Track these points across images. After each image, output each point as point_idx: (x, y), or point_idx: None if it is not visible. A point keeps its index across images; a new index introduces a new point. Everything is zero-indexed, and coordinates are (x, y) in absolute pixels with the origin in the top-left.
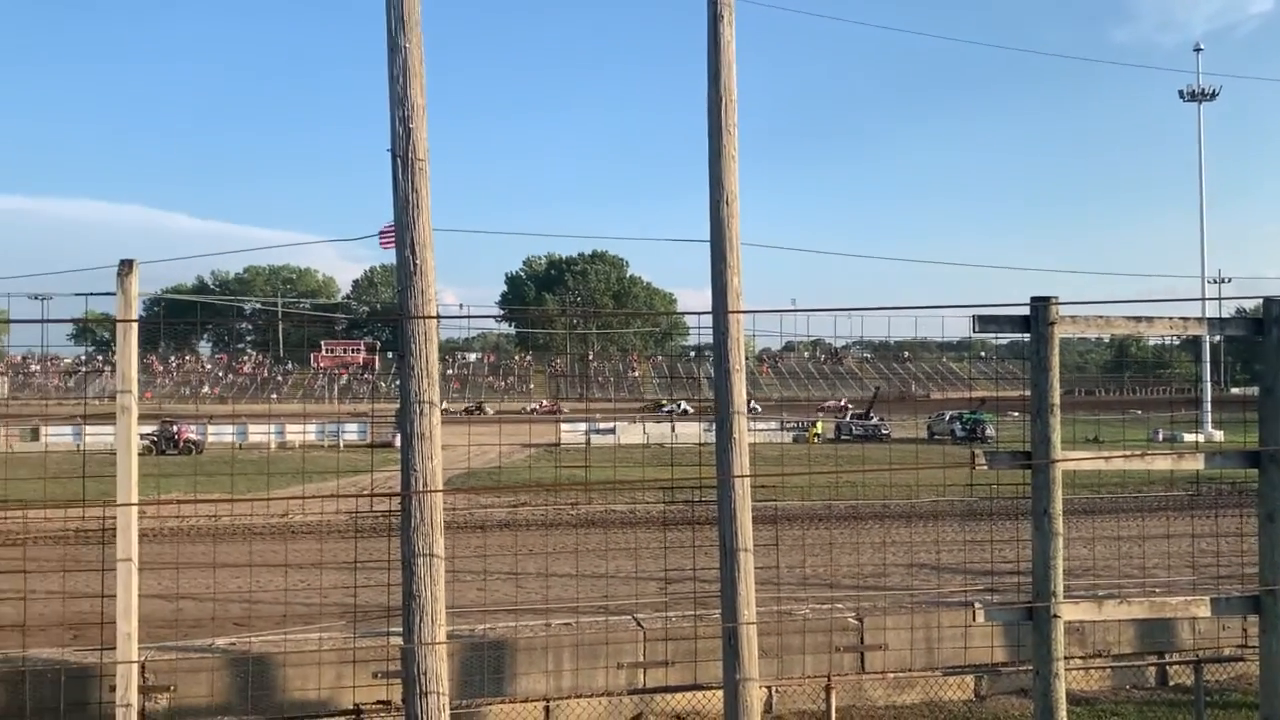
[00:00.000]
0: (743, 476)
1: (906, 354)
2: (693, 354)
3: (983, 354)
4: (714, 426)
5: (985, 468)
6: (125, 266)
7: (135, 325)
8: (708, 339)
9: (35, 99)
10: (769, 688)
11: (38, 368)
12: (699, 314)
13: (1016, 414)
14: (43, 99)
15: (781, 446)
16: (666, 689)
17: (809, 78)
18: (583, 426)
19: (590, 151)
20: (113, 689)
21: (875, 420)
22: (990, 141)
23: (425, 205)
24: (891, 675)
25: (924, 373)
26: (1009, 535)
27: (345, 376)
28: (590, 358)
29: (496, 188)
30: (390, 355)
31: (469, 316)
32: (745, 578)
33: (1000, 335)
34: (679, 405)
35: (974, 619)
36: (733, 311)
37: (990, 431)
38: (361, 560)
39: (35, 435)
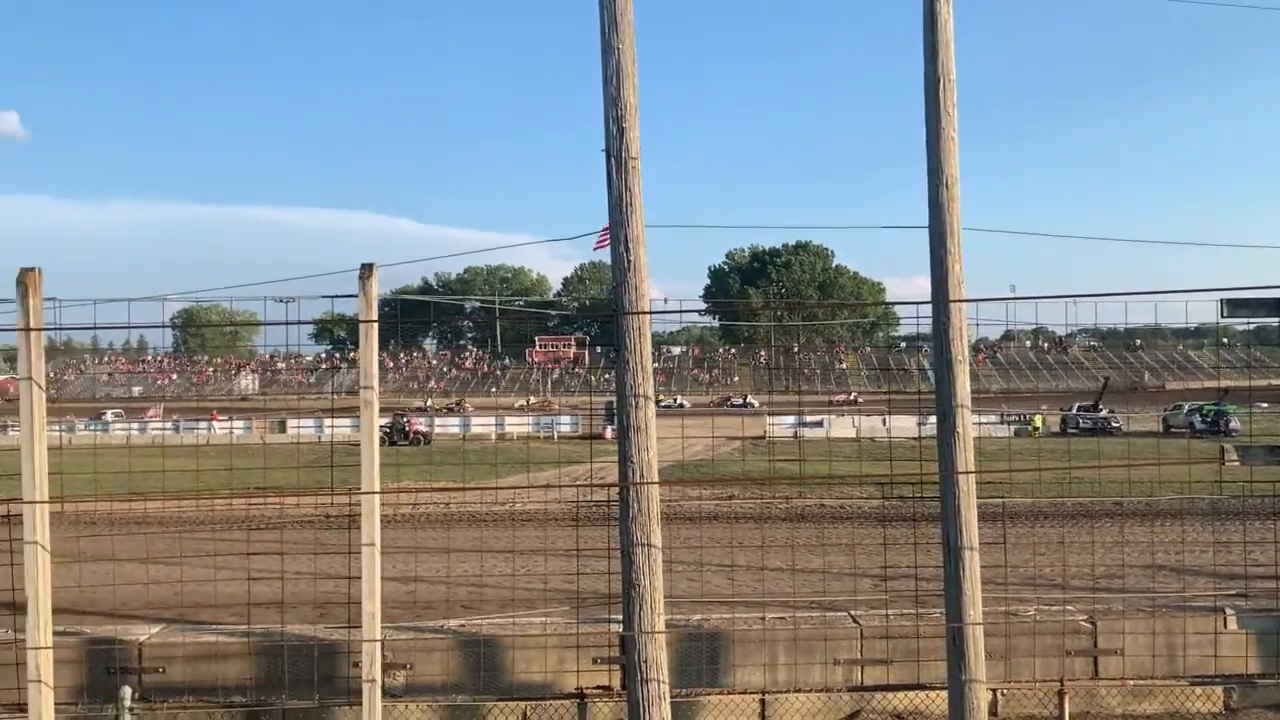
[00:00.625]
0: (967, 472)
1: (1139, 342)
2: (903, 345)
3: (1224, 340)
4: (920, 420)
5: (1237, 464)
6: (366, 270)
7: (375, 325)
8: (922, 328)
9: (273, 119)
10: (995, 690)
11: (284, 365)
12: (915, 303)
13: (1266, 405)
14: (279, 118)
15: (1007, 441)
16: (886, 687)
17: (1029, 47)
18: (789, 420)
19: (793, 139)
20: (356, 665)
21: (1104, 412)
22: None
23: (638, 203)
24: (1131, 683)
25: (1157, 362)
26: (1260, 537)
27: (558, 370)
28: (795, 350)
29: (696, 182)
30: (599, 350)
31: (681, 311)
32: (970, 576)
33: (1252, 320)
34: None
35: (1224, 626)
36: (954, 300)
37: (1235, 425)
38: (574, 549)
39: (283, 428)
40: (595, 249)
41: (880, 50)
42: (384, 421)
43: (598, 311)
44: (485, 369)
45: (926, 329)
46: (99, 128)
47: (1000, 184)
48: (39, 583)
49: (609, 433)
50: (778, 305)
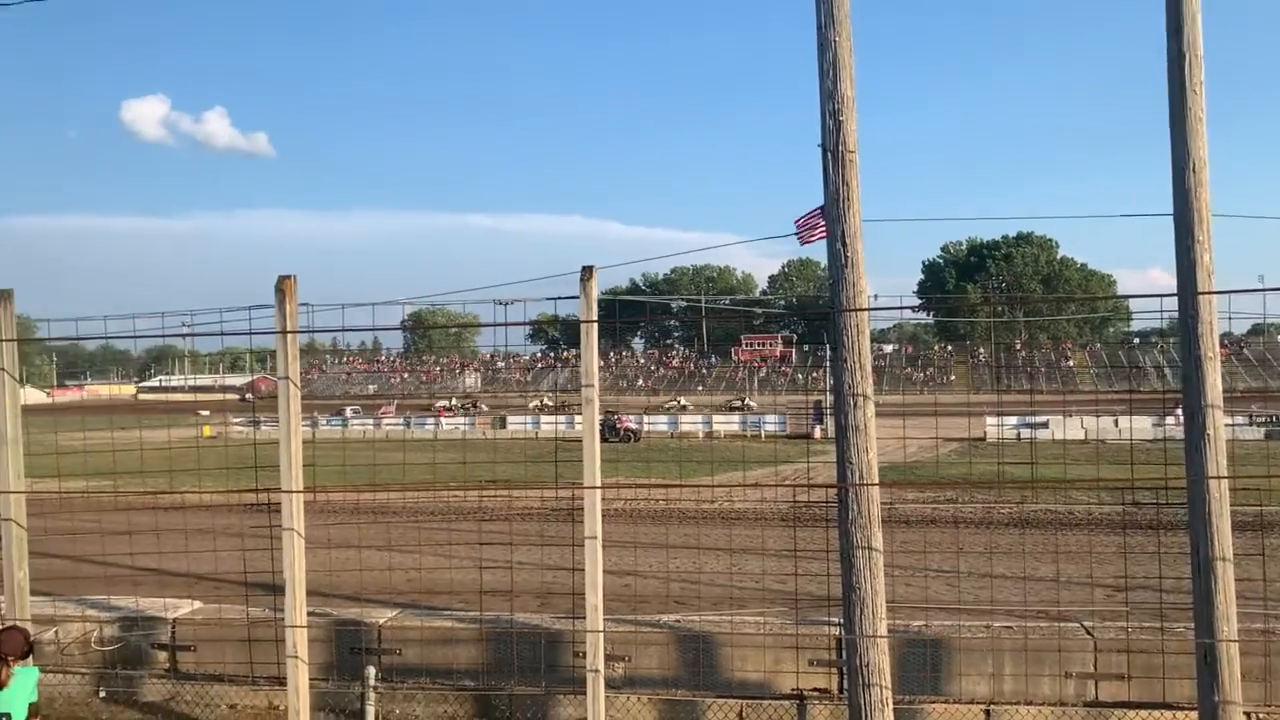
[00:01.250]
0: (1219, 478)
1: None
2: (1135, 341)
3: None
4: (1157, 421)
5: None
6: (586, 272)
7: (595, 325)
8: (1155, 323)
9: (491, 129)
10: (1251, 714)
11: (503, 365)
12: (1158, 295)
13: None
14: (497, 129)
15: (1262, 444)
16: (1125, 704)
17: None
18: (1012, 420)
19: (1011, 127)
20: (578, 654)
21: None
22: None
23: (855, 197)
24: None
25: None
26: None
27: (764, 369)
28: (1018, 346)
29: (907, 175)
30: (806, 348)
31: (901, 308)
32: (1224, 590)
33: None
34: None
35: None
36: (1204, 292)
37: None
38: (787, 549)
39: (503, 424)
40: (801, 243)
41: (1109, 27)
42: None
43: (808, 309)
44: (692, 367)
45: (1161, 324)
46: (339, 144)
47: (1243, 166)
48: (295, 566)
49: (818, 432)
50: (1002, 300)
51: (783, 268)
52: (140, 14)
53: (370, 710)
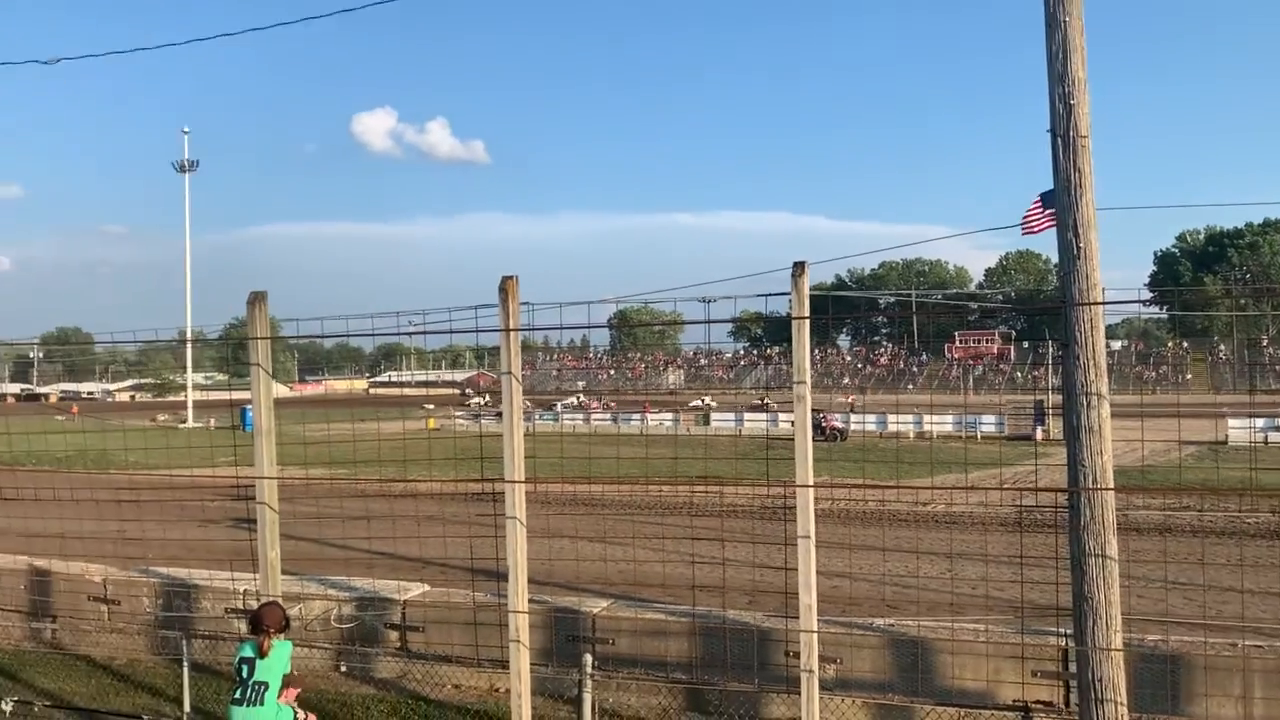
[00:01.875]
0: None
1: None
2: None
3: None
4: None
5: None
6: (798, 268)
7: (807, 322)
8: None
9: (693, 128)
10: None
11: (705, 361)
12: None
13: None
14: (699, 127)
15: None
16: None
17: None
18: (1260, 423)
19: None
20: (788, 653)
21: None
22: None
23: (1088, 184)
24: None
25: None
26: None
27: (979, 367)
28: (1264, 343)
29: (1138, 160)
30: (1025, 345)
31: (1139, 302)
32: None
33: None
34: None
35: None
36: None
37: None
38: (1007, 554)
39: (706, 420)
40: (1023, 234)
41: None
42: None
43: (1032, 304)
44: (902, 365)
45: None
46: (548, 150)
47: None
48: (518, 554)
49: (1039, 433)
50: (1246, 293)
51: (1000, 260)
52: (371, 32)
53: (587, 697)
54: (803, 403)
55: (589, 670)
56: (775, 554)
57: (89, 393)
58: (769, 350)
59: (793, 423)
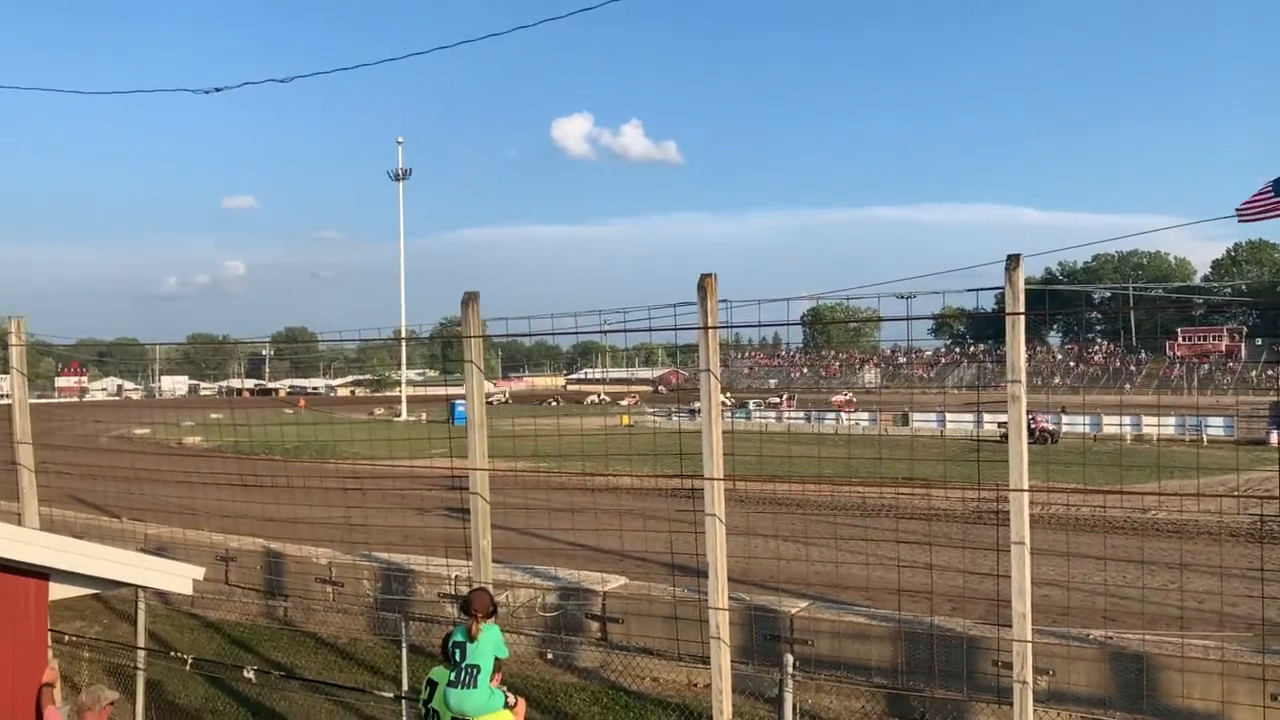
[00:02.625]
0: None
1: None
2: None
3: None
4: None
5: None
6: (1012, 261)
7: (1022, 318)
8: None
9: (881, 122)
10: None
11: (904, 360)
12: None
13: None
14: (887, 121)
15: None
16: None
17: None
18: None
19: None
20: (996, 663)
21: None
22: None
23: None
24: None
25: None
26: None
27: (1206, 365)
28: None
29: None
30: (1258, 342)
31: None
32: None
33: None
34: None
35: None
36: None
37: None
38: (1240, 567)
39: (905, 420)
40: (1241, 221)
41: None
42: (1005, 418)
43: (1273, 298)
44: (1118, 364)
45: None
46: (742, 148)
47: None
48: (717, 550)
49: (1275, 437)
50: None
51: (1228, 252)
52: (569, 39)
53: (788, 697)
54: (1017, 403)
55: (790, 670)
56: (981, 560)
57: (314, 387)
58: (972, 348)
59: (999, 424)
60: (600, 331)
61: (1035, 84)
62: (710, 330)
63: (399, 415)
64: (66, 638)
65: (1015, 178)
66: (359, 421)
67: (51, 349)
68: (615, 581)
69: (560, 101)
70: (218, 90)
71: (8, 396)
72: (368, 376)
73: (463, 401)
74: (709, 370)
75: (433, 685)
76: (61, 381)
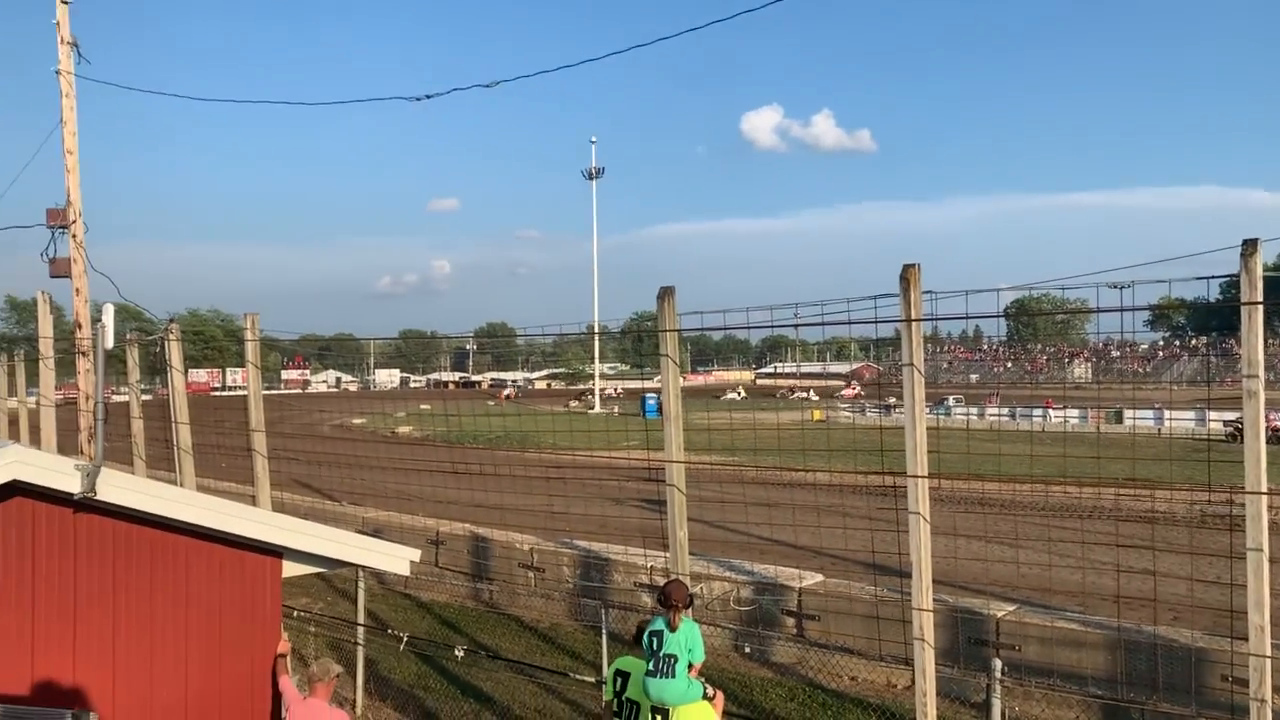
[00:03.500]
0: None
1: None
2: None
3: None
4: None
5: None
6: (1248, 246)
7: (1260, 308)
8: None
9: (1102, 101)
10: None
11: (1118, 353)
12: None
13: None
14: (1108, 101)
15: None
16: None
17: None
18: None
19: None
20: (1227, 678)
21: None
22: None
23: None
24: None
25: None
26: None
27: None
28: None
29: None
30: None
31: None
32: None
33: None
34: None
35: None
36: None
37: None
38: None
39: (1119, 418)
40: None
41: None
42: (1232, 416)
43: None
44: None
45: None
46: (939, 134)
47: None
48: (921, 550)
49: None
50: None
51: None
52: (759, 34)
53: (996, 704)
54: (1254, 399)
55: (998, 676)
56: (1206, 567)
57: (513, 380)
58: (1194, 340)
59: (1225, 422)
60: (796, 325)
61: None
62: (914, 323)
63: (592, 408)
64: (295, 613)
65: (1241, 157)
66: (552, 414)
67: (278, 343)
68: (812, 578)
69: (750, 95)
70: (427, 98)
71: (238, 388)
72: (562, 370)
73: (653, 395)
74: (912, 364)
75: (624, 675)
76: (286, 374)
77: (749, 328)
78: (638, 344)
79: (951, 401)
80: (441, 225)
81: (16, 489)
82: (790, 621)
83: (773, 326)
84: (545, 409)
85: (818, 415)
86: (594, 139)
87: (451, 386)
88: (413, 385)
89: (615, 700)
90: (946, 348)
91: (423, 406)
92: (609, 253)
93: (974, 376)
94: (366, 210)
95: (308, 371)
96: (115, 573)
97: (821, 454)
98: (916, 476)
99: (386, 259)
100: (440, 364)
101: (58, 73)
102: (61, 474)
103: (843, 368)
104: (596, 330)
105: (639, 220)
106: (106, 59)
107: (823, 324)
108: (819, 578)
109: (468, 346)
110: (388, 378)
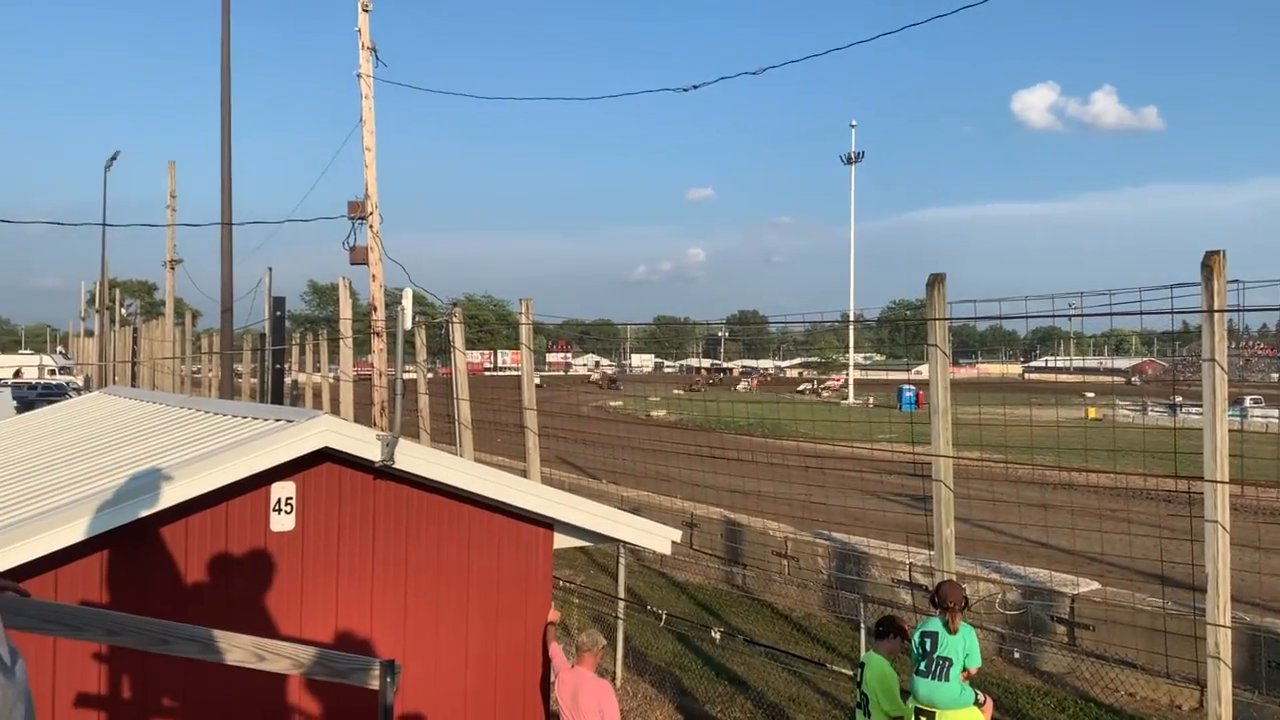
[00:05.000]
0: None
1: None
2: None
3: None
4: None
5: None
6: None
7: None
8: None
9: None
10: None
11: None
12: None
13: None
14: None
15: None
16: None
17: None
18: None
19: None
20: None
21: None
22: None
23: None
24: None
25: None
26: None
27: None
28: None
29: None
30: None
31: None
32: None
33: None
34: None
35: None
36: None
37: None
38: None
39: None
40: None
41: None
42: None
43: None
44: None
45: None
46: (1233, 110)
47: None
48: (1219, 561)
49: None
50: None
51: None
52: (1030, 11)
53: None
54: None
55: None
56: None
57: (764, 369)
58: None
59: None
60: (1080, 315)
61: None
62: (1216, 314)
63: (845, 399)
64: (561, 583)
65: None
66: (805, 403)
67: (543, 327)
68: (1088, 585)
69: (1021, 74)
70: (694, 88)
71: (506, 369)
72: (815, 359)
73: (910, 387)
74: (1214, 359)
75: (863, 666)
76: (551, 357)
77: (1027, 317)
78: (895, 333)
79: (1249, 402)
80: (697, 213)
81: (327, 455)
82: (1061, 629)
83: (1053, 316)
84: (788, 398)
85: (1093, 413)
86: (854, 123)
87: (703, 373)
88: (666, 370)
89: (857, 691)
90: (1244, 343)
91: (675, 391)
92: (866, 239)
93: (1276, 375)
94: (627, 199)
95: (569, 355)
96: (408, 536)
97: (1099, 454)
98: (1216, 482)
99: (643, 247)
100: (692, 350)
101: (359, 76)
102: (366, 443)
103: (1124, 363)
104: (852, 319)
105: (899, 205)
106: (402, 61)
107: (1110, 314)
108: (1095, 585)
109: (719, 334)
110: (641, 363)
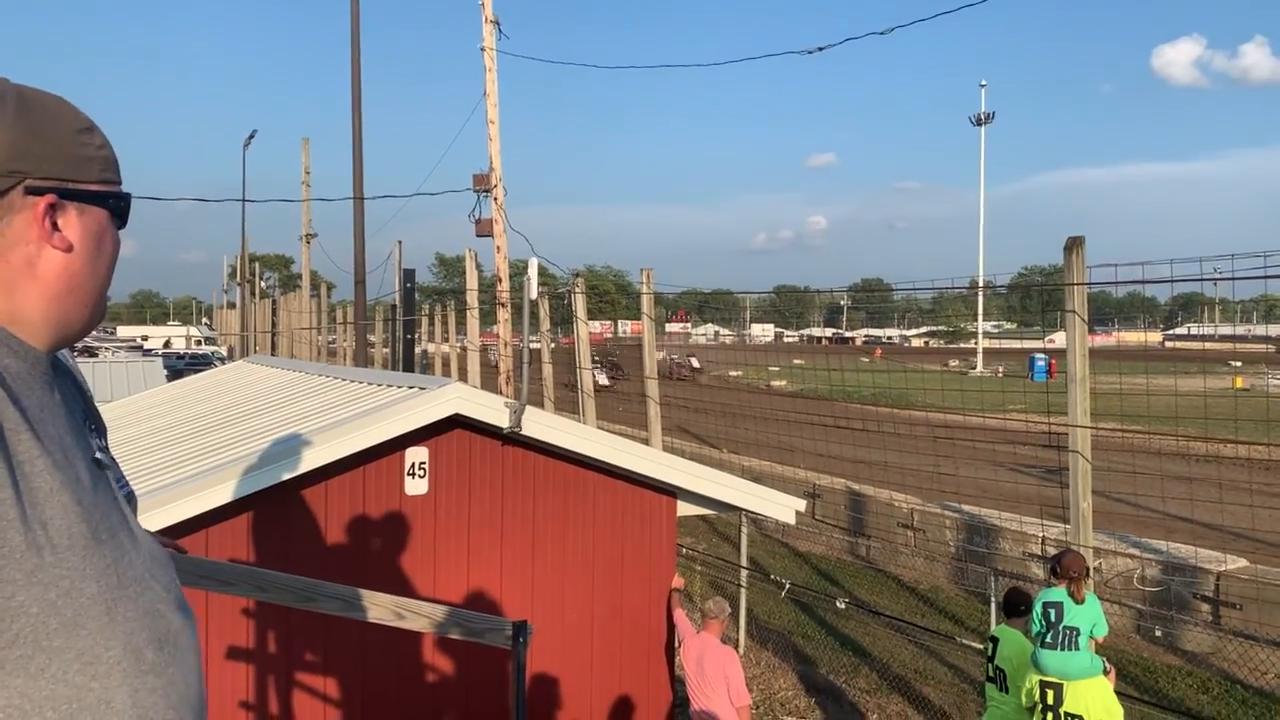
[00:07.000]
0: None
1: None
2: None
3: None
4: None
5: None
6: None
7: None
8: None
9: None
10: None
11: None
12: None
13: None
14: None
15: None
16: None
17: None
18: None
19: None
20: None
21: None
22: None
23: None
24: None
25: None
26: None
27: None
28: None
29: None
30: None
31: None
32: None
33: None
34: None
35: None
36: None
37: None
38: None
39: None
40: None
41: None
42: None
43: None
44: None
45: None
46: None
47: None
48: None
49: None
50: None
51: None
52: None
53: None
54: None
55: None
56: None
57: (888, 337)
58: None
59: None
60: (1231, 279)
61: None
62: None
63: (974, 368)
64: (684, 550)
65: None
66: (931, 373)
67: (663, 297)
68: (1236, 562)
69: (1162, 27)
70: (820, 50)
71: (626, 339)
72: (942, 328)
73: (1042, 356)
74: None
75: (994, 641)
76: (671, 327)
77: (1173, 280)
78: (1026, 300)
79: None
80: (818, 180)
81: (457, 422)
82: (1205, 607)
83: (1201, 280)
84: (923, 368)
85: (1239, 383)
86: (984, 83)
87: (824, 342)
88: (786, 340)
89: (989, 666)
90: None
91: (795, 361)
92: (996, 204)
93: None
94: (747, 167)
95: (689, 325)
96: (535, 500)
97: (1248, 425)
98: None
99: (764, 215)
100: (813, 319)
101: (482, 50)
102: (494, 410)
103: (1276, 329)
104: (980, 285)
105: (1031, 167)
106: (524, 33)
107: (1265, 277)
108: (1243, 562)
109: (841, 302)
110: (761, 332)
